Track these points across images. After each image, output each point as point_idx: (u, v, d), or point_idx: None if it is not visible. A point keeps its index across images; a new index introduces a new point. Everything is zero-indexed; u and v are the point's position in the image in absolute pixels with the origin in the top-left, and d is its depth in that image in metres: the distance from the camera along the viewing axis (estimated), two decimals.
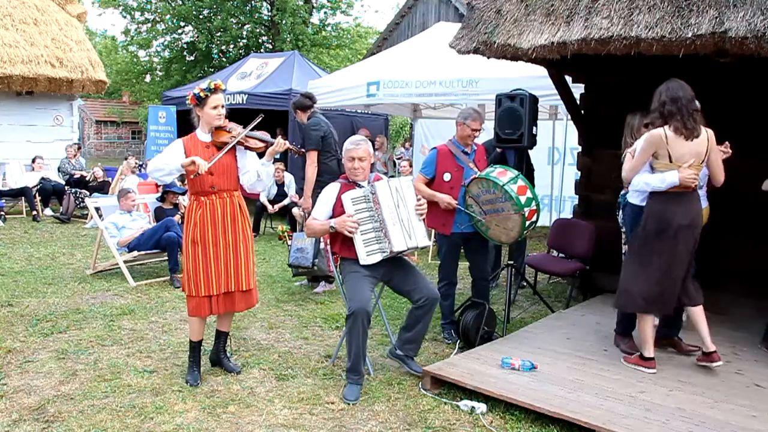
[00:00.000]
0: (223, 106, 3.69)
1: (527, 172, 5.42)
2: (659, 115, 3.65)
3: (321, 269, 5.73)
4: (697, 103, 3.64)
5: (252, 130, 3.77)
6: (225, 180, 3.70)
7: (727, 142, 4.03)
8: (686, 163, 3.60)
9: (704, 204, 4.18)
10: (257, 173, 3.77)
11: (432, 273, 6.87)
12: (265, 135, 3.84)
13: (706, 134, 3.65)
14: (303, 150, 4.14)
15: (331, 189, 3.88)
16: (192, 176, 3.61)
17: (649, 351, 3.81)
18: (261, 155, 3.85)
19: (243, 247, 3.74)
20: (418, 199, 3.84)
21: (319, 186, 5.63)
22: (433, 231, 4.69)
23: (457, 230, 4.52)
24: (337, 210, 3.77)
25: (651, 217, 3.75)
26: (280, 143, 3.79)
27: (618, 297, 3.91)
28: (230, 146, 3.67)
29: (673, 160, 3.64)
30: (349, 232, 3.65)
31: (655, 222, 3.72)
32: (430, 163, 4.55)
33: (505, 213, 4.23)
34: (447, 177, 4.47)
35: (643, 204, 3.89)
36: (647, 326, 3.80)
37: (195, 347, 3.81)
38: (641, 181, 3.79)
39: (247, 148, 3.76)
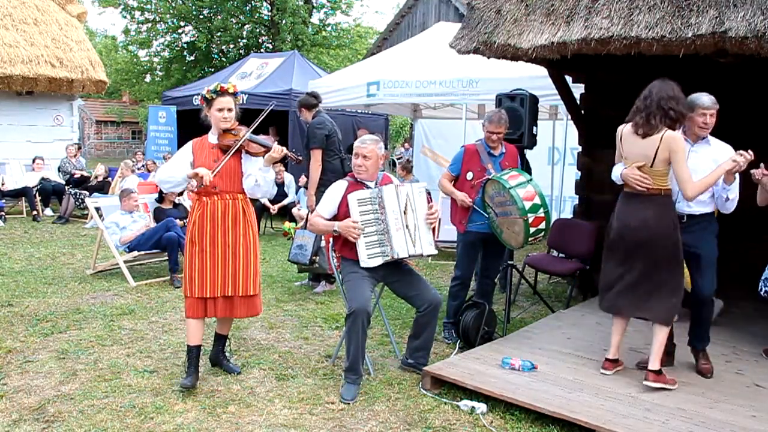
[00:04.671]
0: (230, 110, 3.63)
1: None
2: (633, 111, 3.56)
3: (321, 266, 5.73)
4: (673, 103, 3.39)
5: (257, 132, 3.72)
6: (228, 182, 3.65)
7: (750, 152, 3.45)
8: (635, 163, 3.50)
9: (704, 210, 3.72)
10: (255, 179, 3.71)
11: (432, 273, 6.87)
12: (267, 140, 3.77)
13: (660, 138, 3.38)
14: (301, 158, 4.13)
15: (338, 187, 3.86)
16: (198, 186, 3.61)
17: (609, 352, 3.77)
18: None
19: (243, 251, 3.66)
20: (430, 208, 3.82)
21: (323, 185, 5.64)
22: (455, 231, 4.73)
23: (474, 229, 4.52)
24: (342, 209, 3.76)
25: (613, 214, 3.70)
26: (278, 150, 3.66)
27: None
28: (232, 151, 3.64)
29: (623, 156, 3.61)
30: (353, 238, 3.64)
31: (613, 218, 3.69)
32: (456, 161, 4.62)
33: (512, 217, 4.21)
34: (469, 176, 4.52)
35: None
36: (613, 327, 3.76)
37: (191, 351, 3.67)
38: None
39: (247, 152, 3.70)
